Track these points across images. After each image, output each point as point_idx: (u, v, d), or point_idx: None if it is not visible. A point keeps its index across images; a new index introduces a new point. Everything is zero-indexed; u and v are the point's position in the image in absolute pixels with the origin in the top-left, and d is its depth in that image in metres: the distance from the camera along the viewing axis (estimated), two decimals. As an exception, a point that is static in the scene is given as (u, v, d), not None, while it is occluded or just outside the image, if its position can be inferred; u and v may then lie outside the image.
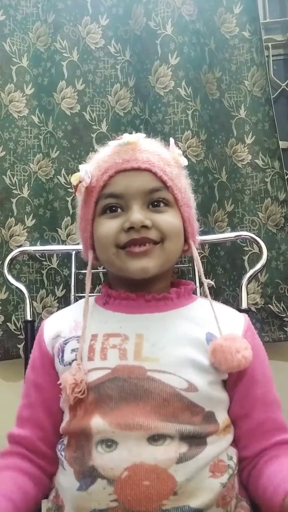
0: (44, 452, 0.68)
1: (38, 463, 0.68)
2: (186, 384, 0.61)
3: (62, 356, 0.67)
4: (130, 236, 0.65)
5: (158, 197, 0.67)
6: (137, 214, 0.64)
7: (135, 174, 0.66)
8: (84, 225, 0.72)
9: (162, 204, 0.67)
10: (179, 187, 0.69)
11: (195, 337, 0.65)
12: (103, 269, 0.94)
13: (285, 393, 0.73)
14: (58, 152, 1.15)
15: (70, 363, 0.65)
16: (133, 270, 0.65)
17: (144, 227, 0.65)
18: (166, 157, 0.70)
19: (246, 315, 0.74)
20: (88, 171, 0.68)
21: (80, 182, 0.68)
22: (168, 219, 0.67)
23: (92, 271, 0.74)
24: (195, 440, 0.59)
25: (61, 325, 0.71)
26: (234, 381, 0.66)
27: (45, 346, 0.70)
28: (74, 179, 0.69)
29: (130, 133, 0.70)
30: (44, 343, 0.71)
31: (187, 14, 1.15)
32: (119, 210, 0.67)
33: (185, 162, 0.73)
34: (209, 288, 0.73)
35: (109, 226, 0.66)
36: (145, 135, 0.71)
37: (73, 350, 0.66)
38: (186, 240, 0.72)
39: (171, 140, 0.73)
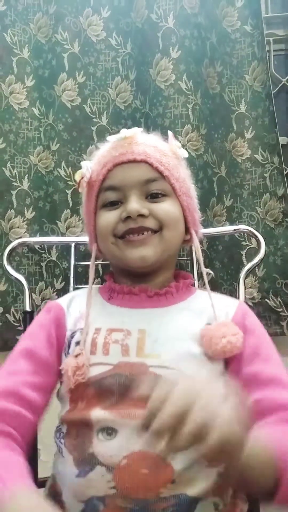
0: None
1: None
2: None
3: (68, 349, 0.67)
4: (128, 226, 0.66)
5: (155, 188, 0.68)
6: (134, 204, 0.66)
7: (131, 166, 0.68)
8: (87, 218, 0.74)
9: (160, 195, 0.69)
10: (176, 176, 0.70)
11: (195, 331, 0.65)
12: (102, 261, 0.95)
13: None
14: (58, 144, 1.15)
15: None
16: (132, 258, 0.67)
17: (141, 216, 0.66)
18: (163, 149, 0.71)
19: (242, 301, 0.75)
20: (89, 167, 0.71)
21: (82, 178, 0.71)
22: (165, 207, 0.68)
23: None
24: None
25: (71, 314, 0.70)
26: (236, 371, 0.65)
27: (64, 326, 0.69)
28: (77, 176, 0.71)
29: (130, 126, 0.72)
30: (64, 324, 0.69)
31: (189, 7, 1.15)
32: (119, 203, 0.69)
33: (184, 154, 0.73)
34: (208, 281, 0.73)
35: (108, 217, 0.68)
36: (142, 129, 0.72)
37: (77, 343, 0.66)
38: (187, 230, 0.73)
39: (170, 133, 0.74)
